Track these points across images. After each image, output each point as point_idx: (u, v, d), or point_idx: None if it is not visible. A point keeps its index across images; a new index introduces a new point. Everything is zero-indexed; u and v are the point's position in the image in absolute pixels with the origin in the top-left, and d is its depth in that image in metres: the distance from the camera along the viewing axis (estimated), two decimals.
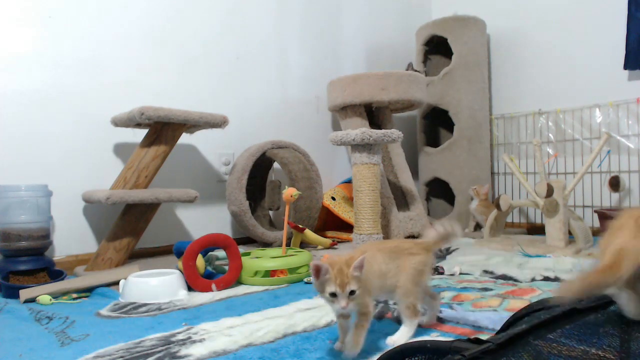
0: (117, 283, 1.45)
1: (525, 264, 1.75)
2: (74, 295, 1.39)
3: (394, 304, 1.22)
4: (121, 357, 0.90)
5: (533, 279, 1.49)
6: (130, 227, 1.72)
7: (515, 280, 1.49)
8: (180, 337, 1.01)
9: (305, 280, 1.53)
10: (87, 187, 1.83)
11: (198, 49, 2.19)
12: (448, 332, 0.99)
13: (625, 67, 2.34)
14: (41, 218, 1.56)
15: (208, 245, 1.45)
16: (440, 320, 1.08)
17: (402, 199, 2.47)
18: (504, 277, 1.54)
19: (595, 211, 2.21)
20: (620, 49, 2.39)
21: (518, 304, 1.19)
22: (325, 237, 2.23)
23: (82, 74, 1.85)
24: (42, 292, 1.35)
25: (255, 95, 2.41)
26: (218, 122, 1.84)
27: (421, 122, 2.94)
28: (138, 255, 1.92)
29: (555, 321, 0.64)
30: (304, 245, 2.04)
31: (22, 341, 1.02)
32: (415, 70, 2.65)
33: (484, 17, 2.86)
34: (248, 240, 2.31)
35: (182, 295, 1.35)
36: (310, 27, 2.67)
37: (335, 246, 2.02)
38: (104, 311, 1.24)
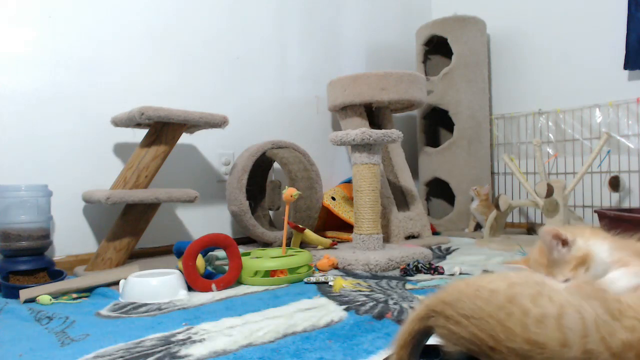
0: (117, 283, 1.45)
1: None
2: (74, 295, 1.39)
3: (394, 303, 1.22)
4: (121, 357, 0.90)
5: None
6: (130, 227, 1.72)
7: None
8: (180, 337, 1.01)
9: (305, 280, 1.53)
10: (87, 187, 1.83)
11: (198, 49, 2.19)
12: None
13: (625, 67, 2.34)
14: (41, 218, 1.56)
15: (208, 245, 1.45)
16: None
17: (402, 199, 2.48)
18: None
19: (595, 211, 2.21)
20: (620, 49, 2.39)
21: None
22: (325, 237, 2.23)
23: (82, 74, 1.85)
24: (42, 292, 1.35)
25: (255, 95, 2.41)
26: (218, 122, 1.84)
27: (421, 122, 2.94)
28: (138, 255, 1.92)
29: None
30: (304, 245, 2.04)
31: (22, 341, 1.02)
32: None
33: (484, 17, 2.87)
34: (248, 240, 2.31)
35: (182, 295, 1.35)
36: (310, 27, 2.67)
37: (336, 246, 2.02)
38: (104, 311, 1.24)
